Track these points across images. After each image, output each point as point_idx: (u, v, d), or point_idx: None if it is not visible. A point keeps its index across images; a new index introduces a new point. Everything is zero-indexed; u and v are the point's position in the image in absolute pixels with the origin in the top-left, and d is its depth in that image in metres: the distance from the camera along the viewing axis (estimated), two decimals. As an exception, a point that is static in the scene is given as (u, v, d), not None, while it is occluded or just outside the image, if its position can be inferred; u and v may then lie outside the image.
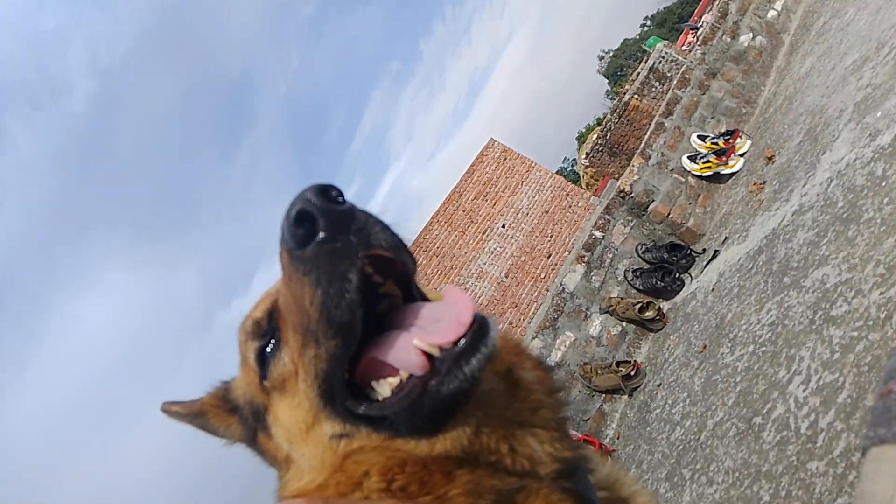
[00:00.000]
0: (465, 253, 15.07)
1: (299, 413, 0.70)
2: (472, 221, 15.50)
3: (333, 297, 0.60)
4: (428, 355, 0.60)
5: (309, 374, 0.67)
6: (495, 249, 15.17)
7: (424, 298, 0.74)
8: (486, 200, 15.85)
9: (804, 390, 2.42)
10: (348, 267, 0.59)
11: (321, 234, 0.58)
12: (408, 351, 0.61)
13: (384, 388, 0.65)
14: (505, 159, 16.57)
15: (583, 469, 0.71)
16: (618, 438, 4.15)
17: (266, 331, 0.75)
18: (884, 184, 2.75)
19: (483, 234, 15.38)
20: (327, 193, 0.58)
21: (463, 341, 0.59)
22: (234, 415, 0.89)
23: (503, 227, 15.58)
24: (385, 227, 0.65)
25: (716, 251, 4.33)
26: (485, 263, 15.02)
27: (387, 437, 0.66)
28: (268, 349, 0.74)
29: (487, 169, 16.33)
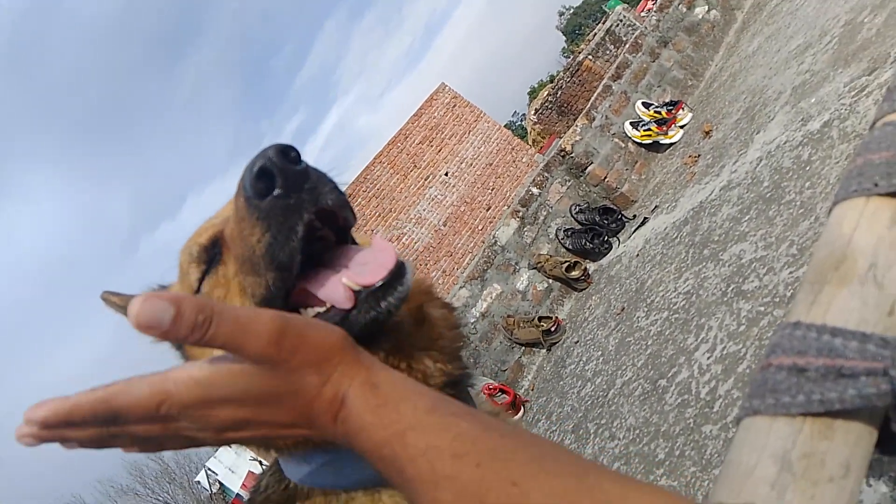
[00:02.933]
0: (406, 197, 14.99)
1: None
2: (416, 166, 15.37)
3: (280, 243, 0.69)
4: (354, 291, 0.71)
5: (245, 295, 0.76)
6: (436, 196, 15.13)
7: (355, 244, 0.85)
8: (432, 146, 15.71)
9: (708, 358, 2.53)
10: (296, 220, 0.69)
11: (277, 191, 0.67)
12: (336, 287, 0.71)
13: (311, 313, 0.75)
14: (454, 106, 16.40)
15: (465, 382, 0.87)
16: (532, 390, 4.27)
17: (210, 256, 0.84)
18: (807, 168, 2.85)
19: (425, 179, 15.30)
20: (287, 154, 0.67)
21: (382, 282, 0.70)
22: None
23: (446, 174, 15.52)
24: (334, 188, 0.74)
25: (645, 218, 4.43)
26: (424, 210, 14.99)
27: None
28: (208, 272, 0.83)
29: (436, 114, 16.13)
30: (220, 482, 24.34)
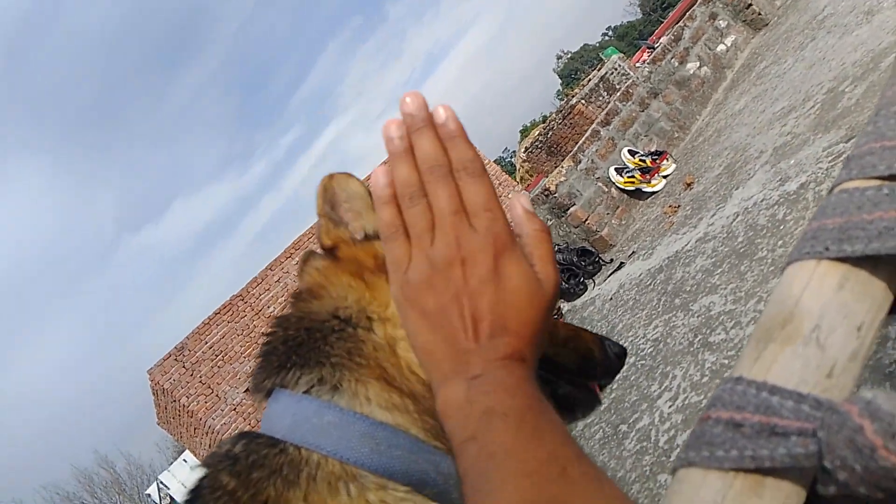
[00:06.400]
0: (388, 221, 14.95)
1: None
2: (401, 191, 15.39)
3: (601, 362, 0.79)
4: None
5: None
6: (418, 223, 15.16)
7: None
8: (419, 173, 15.77)
9: (670, 406, 2.54)
10: (613, 375, 0.80)
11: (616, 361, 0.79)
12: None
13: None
14: (445, 136, 16.51)
15: None
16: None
17: None
18: (781, 227, 2.90)
19: (409, 205, 15.32)
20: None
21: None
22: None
23: (430, 202, 15.56)
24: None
25: (621, 263, 4.47)
26: (405, 235, 14.97)
27: None
28: None
29: (426, 142, 16.22)
30: (171, 496, 23.70)
